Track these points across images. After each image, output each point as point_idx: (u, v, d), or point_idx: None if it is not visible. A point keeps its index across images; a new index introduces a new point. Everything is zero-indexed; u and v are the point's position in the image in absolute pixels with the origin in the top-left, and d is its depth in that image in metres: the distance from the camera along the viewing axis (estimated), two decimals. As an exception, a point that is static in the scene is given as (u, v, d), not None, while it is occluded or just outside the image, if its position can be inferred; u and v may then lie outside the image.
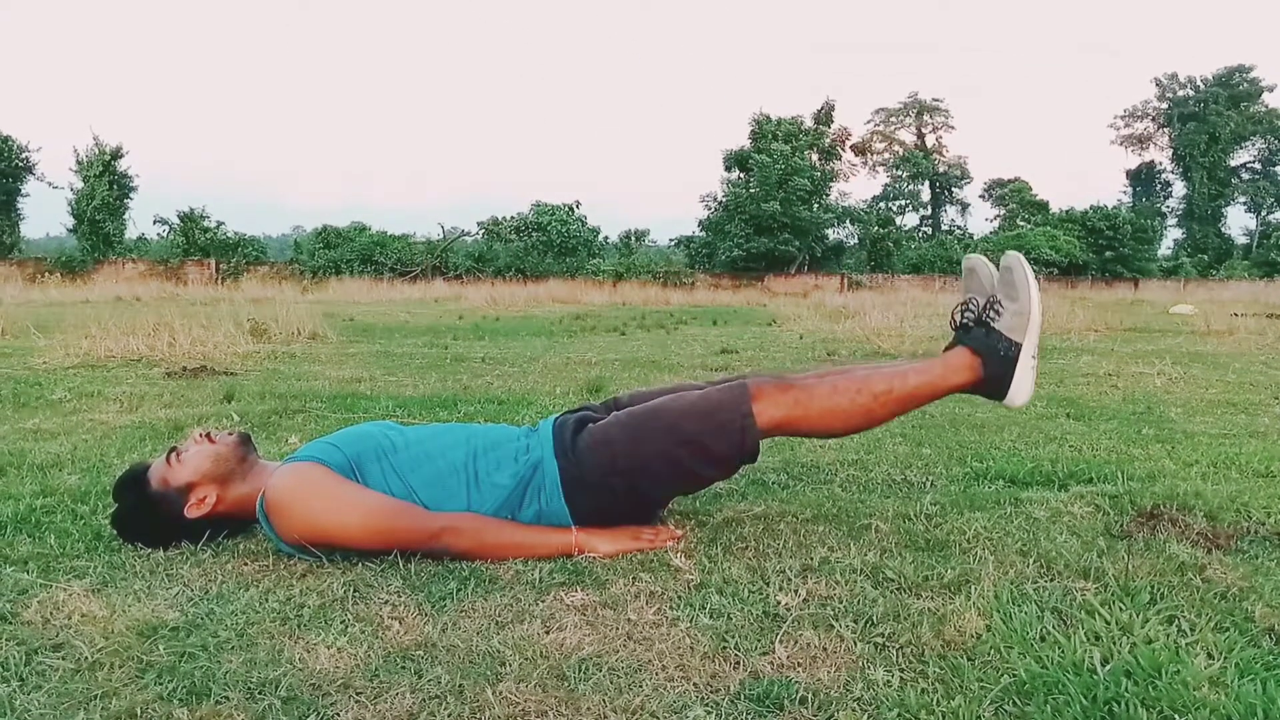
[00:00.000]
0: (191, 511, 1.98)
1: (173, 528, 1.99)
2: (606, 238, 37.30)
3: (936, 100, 55.31)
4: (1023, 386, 1.99)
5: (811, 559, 1.85)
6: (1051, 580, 1.72)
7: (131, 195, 32.16)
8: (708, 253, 37.49)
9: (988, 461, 2.83)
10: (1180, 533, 2.01)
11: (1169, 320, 12.32)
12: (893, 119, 55.94)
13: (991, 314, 2.02)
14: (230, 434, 2.09)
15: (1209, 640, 1.41)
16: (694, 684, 1.34)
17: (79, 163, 31.22)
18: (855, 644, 1.45)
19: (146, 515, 1.99)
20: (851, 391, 1.96)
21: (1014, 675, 1.32)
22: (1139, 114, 56.12)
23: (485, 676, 1.35)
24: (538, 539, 1.92)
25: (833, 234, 39.69)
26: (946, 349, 2.07)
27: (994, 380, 1.99)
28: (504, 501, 1.96)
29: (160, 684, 1.33)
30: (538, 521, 1.96)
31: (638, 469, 1.95)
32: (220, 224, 32.55)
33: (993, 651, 1.40)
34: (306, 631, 1.52)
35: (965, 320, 2.07)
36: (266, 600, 1.66)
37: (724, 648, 1.45)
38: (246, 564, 1.88)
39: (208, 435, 2.07)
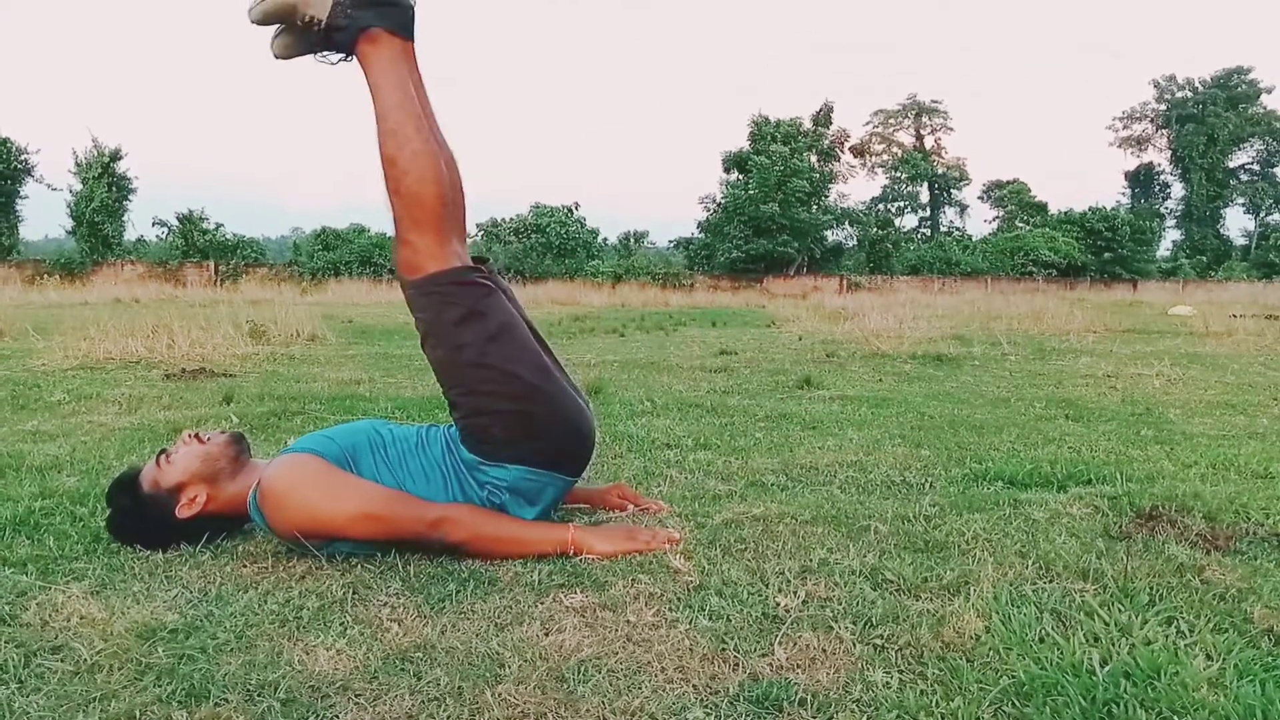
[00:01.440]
0: (182, 512, 1.98)
1: (166, 529, 1.98)
2: (605, 239, 37.35)
3: (935, 102, 55.35)
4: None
5: (810, 561, 1.85)
6: (1050, 581, 1.73)
7: (130, 197, 32.16)
8: (707, 254, 37.50)
9: (987, 463, 2.83)
10: (1179, 534, 2.01)
11: (1168, 322, 12.33)
12: (891, 120, 55.96)
13: (316, 28, 1.97)
14: (221, 434, 2.10)
15: (1208, 641, 1.41)
16: (693, 685, 1.34)
17: (78, 165, 31.21)
18: (854, 645, 1.45)
19: (139, 518, 1.99)
20: (402, 172, 1.93)
21: (1013, 676, 1.32)
22: (1137, 115, 56.18)
23: (484, 678, 1.35)
24: (533, 534, 1.93)
25: (831, 235, 39.71)
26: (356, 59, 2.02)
27: (388, 15, 1.97)
28: (486, 496, 1.98)
29: (159, 686, 1.33)
30: (506, 507, 1.97)
31: (485, 390, 1.96)
32: (219, 226, 32.56)
33: (992, 653, 1.40)
34: (305, 633, 1.52)
35: (332, 56, 2.03)
36: (265, 602, 1.66)
37: (723, 649, 1.45)
38: (245, 566, 1.88)
39: (197, 436, 2.07)
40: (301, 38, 2.01)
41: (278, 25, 2.00)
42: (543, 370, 2.02)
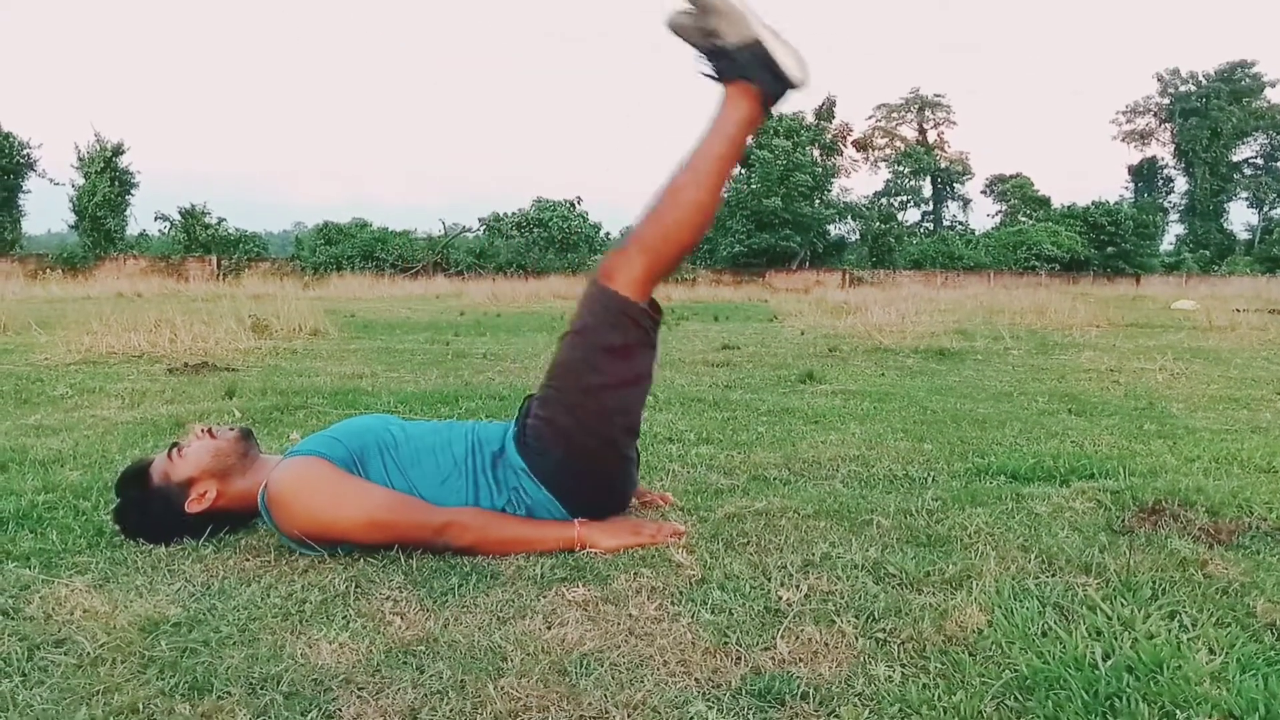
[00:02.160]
0: (192, 506, 1.98)
1: (174, 523, 1.99)
2: (608, 233, 37.26)
3: (938, 96, 55.36)
4: (788, 60, 1.97)
5: (813, 554, 1.85)
6: (1053, 576, 1.72)
7: (133, 192, 32.18)
8: (709, 249, 37.48)
9: (989, 457, 2.83)
10: (1182, 528, 2.01)
11: (1171, 316, 12.31)
12: (894, 114, 55.93)
13: (715, 41, 1.99)
14: (231, 429, 2.10)
15: (1210, 635, 1.41)
16: (695, 679, 1.34)
17: (80, 159, 31.23)
18: (857, 639, 1.45)
19: (148, 510, 1.99)
20: (674, 206, 1.96)
21: (1015, 670, 1.32)
22: (1141, 109, 56.10)
23: (487, 671, 1.35)
24: (540, 533, 1.92)
25: (834, 230, 39.70)
26: (720, 101, 2.04)
27: (768, 82, 1.98)
28: (508, 500, 1.97)
29: (162, 679, 1.33)
30: (531, 514, 1.96)
31: (580, 415, 1.94)
32: (221, 220, 32.52)
33: (994, 647, 1.40)
34: (308, 627, 1.53)
35: (708, 68, 2.04)
36: (268, 596, 1.67)
37: (725, 643, 1.45)
38: (248, 559, 1.89)
39: (209, 430, 2.07)
40: (699, 35, 2.02)
41: (691, 9, 2.01)
42: (631, 436, 2.05)
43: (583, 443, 1.96)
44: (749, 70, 1.97)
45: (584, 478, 1.98)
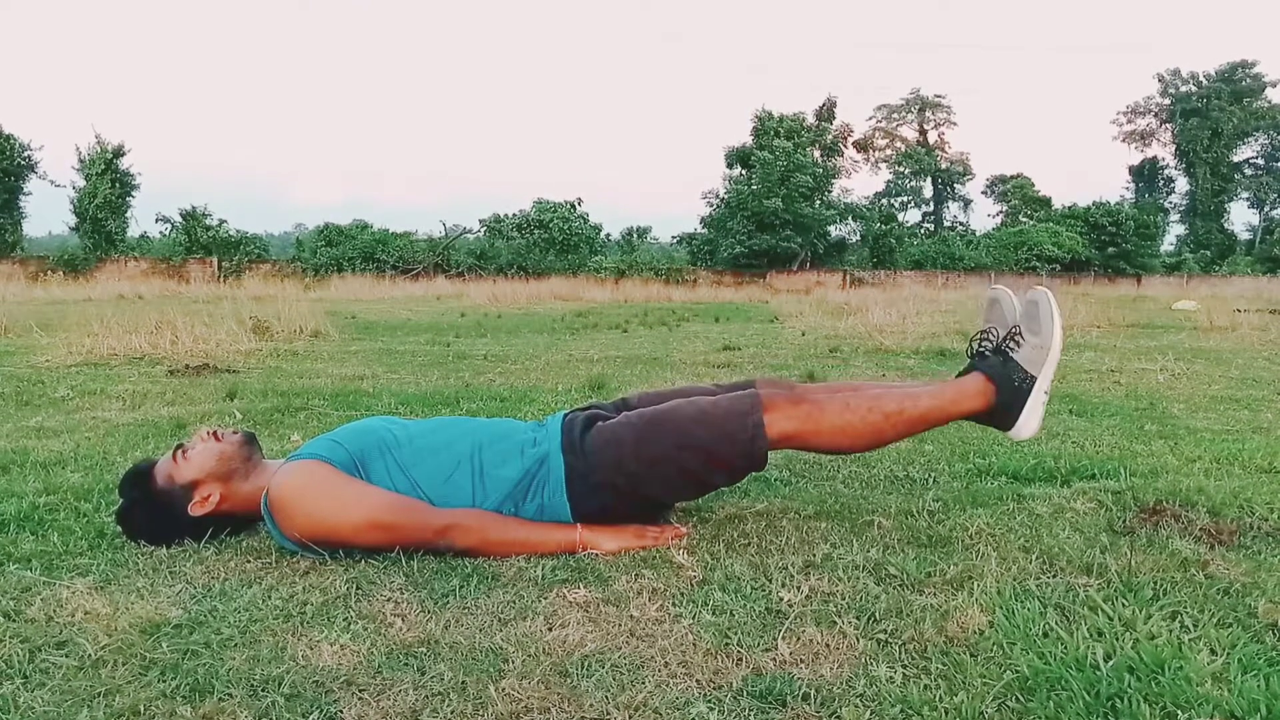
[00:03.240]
0: (195, 510, 1.98)
1: (176, 525, 1.99)
2: (608, 235, 37.36)
3: (939, 96, 55.31)
4: (1031, 420, 1.98)
5: (814, 555, 1.85)
6: (1054, 576, 1.72)
7: (134, 193, 32.19)
8: (710, 250, 37.49)
9: (990, 458, 2.82)
10: (1183, 529, 2.01)
11: (1172, 316, 12.30)
12: (895, 115, 55.90)
13: (1011, 344, 2.01)
14: (235, 433, 2.10)
15: (1212, 636, 1.41)
16: (696, 680, 1.34)
17: (81, 161, 31.25)
18: (858, 640, 1.45)
19: (150, 511, 1.99)
20: (863, 410, 1.95)
21: (1017, 671, 1.32)
22: (1141, 110, 56.05)
23: (488, 673, 1.36)
24: (542, 536, 1.92)
25: (835, 231, 39.65)
26: (960, 374, 2.06)
27: (1004, 409, 1.98)
28: (508, 495, 1.96)
29: (163, 681, 1.33)
30: (539, 517, 1.96)
31: (644, 471, 1.95)
32: (222, 222, 32.54)
33: (995, 647, 1.40)
34: (309, 628, 1.53)
35: (983, 348, 2.07)
36: (269, 597, 1.67)
37: (726, 644, 1.45)
38: (249, 561, 1.89)
39: (214, 434, 2.07)
40: (1003, 323, 2.09)
41: (1024, 306, 2.04)
42: (664, 509, 2.14)
43: (630, 486, 1.96)
44: (1006, 386, 1.98)
45: (607, 509, 1.98)
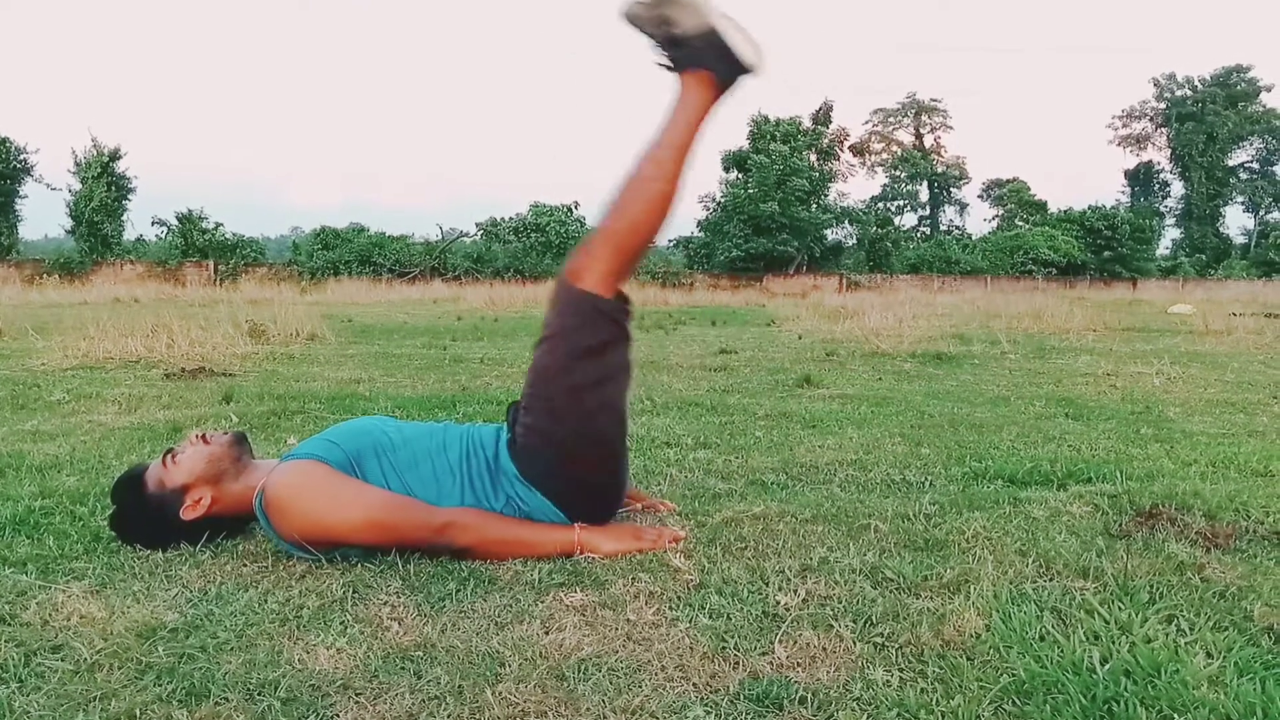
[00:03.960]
0: (187, 514, 1.98)
1: (170, 529, 1.98)
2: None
3: (935, 100, 55.44)
4: (744, 47, 1.97)
5: (810, 559, 1.85)
6: (1050, 580, 1.73)
7: (130, 196, 32.17)
8: (706, 253, 37.50)
9: (986, 461, 2.83)
10: (1179, 532, 2.01)
11: (1167, 320, 12.33)
12: (891, 119, 56.02)
13: (671, 30, 1.99)
14: (225, 434, 2.09)
15: (1208, 639, 1.41)
16: (693, 684, 1.34)
17: (77, 164, 31.22)
18: (854, 644, 1.45)
19: (143, 517, 1.99)
20: (638, 199, 1.96)
21: (1013, 675, 1.32)
22: (1137, 114, 56.22)
23: (484, 677, 1.35)
24: (539, 536, 1.92)
25: (831, 234, 39.71)
26: (679, 92, 2.03)
27: (723, 69, 1.98)
28: (504, 503, 1.97)
29: (159, 685, 1.33)
30: (530, 517, 1.96)
31: (566, 417, 1.94)
32: (218, 225, 32.50)
33: (992, 651, 1.40)
34: (306, 632, 1.52)
35: (664, 59, 2.04)
36: (266, 601, 1.66)
37: (723, 648, 1.45)
38: (245, 565, 1.88)
39: (203, 436, 2.07)
40: (655, 24, 2.02)
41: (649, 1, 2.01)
42: (619, 431, 2.03)
43: (573, 444, 1.96)
44: (705, 58, 1.98)
45: (578, 478, 1.98)
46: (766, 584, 1.71)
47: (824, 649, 1.44)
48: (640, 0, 2.03)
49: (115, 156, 31.38)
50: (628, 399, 2.06)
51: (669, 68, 2.04)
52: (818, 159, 40.10)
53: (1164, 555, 1.84)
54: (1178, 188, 54.08)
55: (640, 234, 1.98)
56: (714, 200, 38.18)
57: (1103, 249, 39.61)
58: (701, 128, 2.02)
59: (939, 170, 54.10)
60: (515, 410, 2.06)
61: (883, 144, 55.63)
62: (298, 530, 1.84)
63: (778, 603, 1.62)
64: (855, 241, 40.72)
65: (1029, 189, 49.76)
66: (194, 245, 31.43)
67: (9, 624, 1.56)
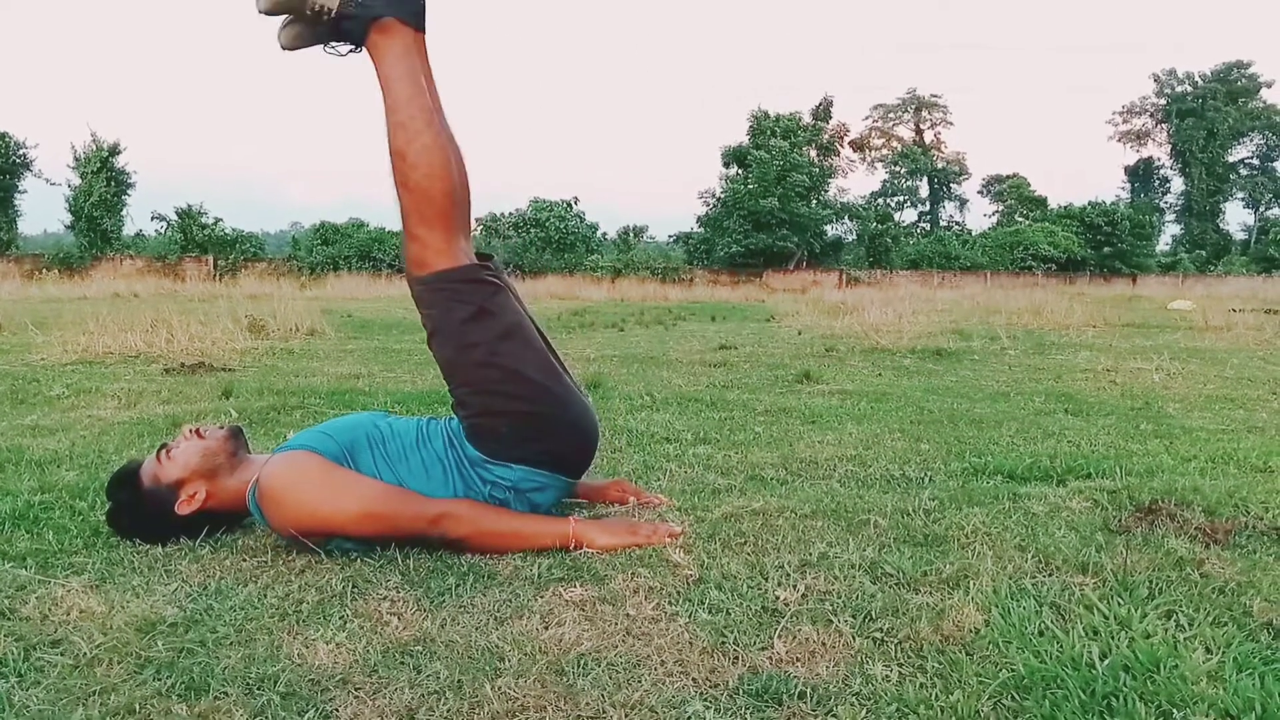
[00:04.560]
0: (182, 508, 1.97)
1: (166, 524, 1.98)
2: (605, 234, 37.31)
3: (935, 96, 55.40)
4: None
5: (810, 554, 1.85)
6: (1050, 575, 1.73)
7: (129, 192, 32.16)
8: (706, 249, 37.50)
9: (986, 457, 2.83)
10: (1178, 528, 2.01)
11: (1167, 316, 12.33)
12: (891, 115, 55.98)
13: (330, 17, 1.95)
14: (220, 428, 2.09)
15: (1207, 635, 1.41)
16: (693, 679, 1.34)
17: (76, 159, 31.20)
18: (854, 639, 1.45)
19: (138, 513, 1.99)
20: (412, 165, 1.92)
21: (1012, 670, 1.32)
22: (1137, 110, 56.17)
23: (484, 672, 1.35)
24: (535, 527, 1.92)
25: (831, 230, 39.70)
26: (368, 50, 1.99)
27: (401, 6, 1.94)
28: (492, 485, 1.97)
29: (159, 680, 1.33)
30: (511, 502, 1.97)
31: (492, 388, 1.95)
32: (218, 220, 32.48)
33: (991, 646, 1.40)
34: (305, 627, 1.52)
35: (343, 46, 2.01)
36: (265, 596, 1.66)
37: (723, 643, 1.45)
38: (245, 560, 1.88)
39: (198, 431, 2.06)
40: (311, 28, 1.98)
41: (286, 15, 1.98)
42: (550, 370, 2.02)
43: (514, 407, 1.96)
44: (373, 10, 1.93)
45: (541, 435, 1.98)
46: (766, 579, 1.71)
47: (823, 644, 1.44)
48: (282, 23, 1.99)
49: (115, 151, 31.35)
50: (536, 339, 2.04)
51: (353, 47, 1.99)
52: (818, 154, 40.06)
53: (1163, 551, 1.84)
54: (1178, 184, 54.09)
55: (439, 194, 1.93)
56: (714, 196, 38.18)
57: (1103, 245, 39.60)
58: (418, 67, 1.97)
59: (939, 166, 54.06)
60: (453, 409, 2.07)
61: (883, 139, 55.60)
62: (291, 522, 1.84)
63: (777, 598, 1.62)
64: (855, 237, 40.70)
65: (1029, 185, 49.72)
66: (193, 240, 31.41)
67: (8, 618, 1.56)
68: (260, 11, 1.97)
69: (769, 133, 37.21)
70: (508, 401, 1.95)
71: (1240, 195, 53.51)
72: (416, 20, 1.98)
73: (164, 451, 2.03)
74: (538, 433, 1.98)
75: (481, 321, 1.94)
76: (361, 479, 1.90)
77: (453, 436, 2.02)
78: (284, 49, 2.02)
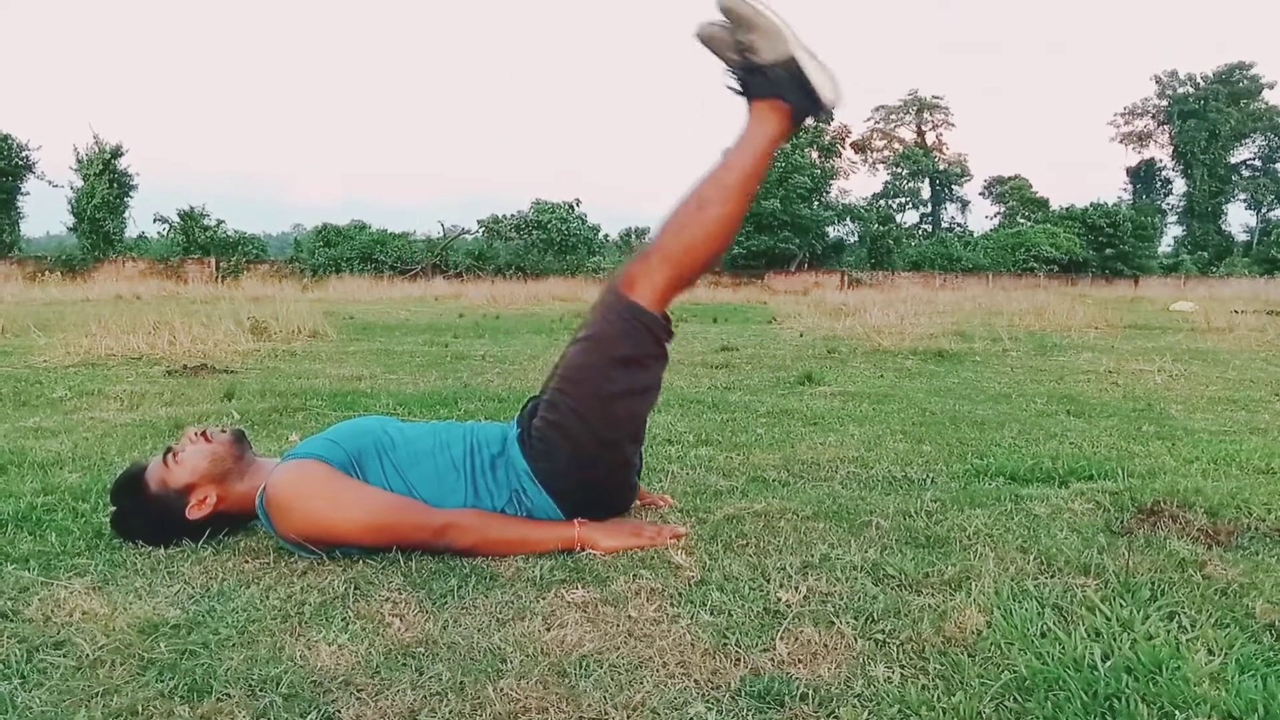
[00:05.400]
0: (193, 513, 1.97)
1: (173, 528, 1.98)
2: (607, 235, 37.33)
3: (936, 98, 55.44)
4: (823, 82, 1.95)
5: (812, 556, 1.85)
6: (1052, 577, 1.72)
7: (131, 194, 32.12)
8: (708, 250, 37.43)
9: (988, 458, 2.83)
10: (1181, 529, 2.01)
11: (1169, 317, 12.32)
12: (893, 116, 56.02)
13: (750, 58, 1.96)
14: (224, 431, 2.09)
15: (1209, 636, 1.41)
16: (695, 681, 1.34)
17: (79, 161, 31.19)
18: (856, 640, 1.45)
19: (146, 517, 1.98)
20: (700, 221, 1.94)
21: (1014, 671, 1.32)
22: (1139, 111, 56.16)
23: (486, 673, 1.35)
24: (540, 534, 1.92)
25: (833, 231, 39.71)
26: (748, 113, 2.02)
27: (800, 101, 1.96)
28: (507, 500, 1.97)
29: (161, 681, 1.33)
30: (531, 515, 1.97)
31: (591, 421, 1.94)
32: (220, 222, 32.48)
33: (993, 648, 1.40)
34: (308, 629, 1.53)
35: (738, 83, 2.01)
36: (268, 597, 1.66)
37: (725, 644, 1.45)
38: (247, 561, 1.88)
39: (203, 434, 2.06)
40: (729, 48, 2.00)
41: (728, 21, 1.98)
42: (637, 440, 2.06)
43: (589, 448, 1.96)
44: (781, 88, 1.95)
45: (587, 483, 1.98)
46: (768, 581, 1.71)
47: (825, 646, 1.44)
48: (718, 23, 2.00)
49: (117, 153, 31.35)
50: (648, 415, 2.08)
51: (741, 94, 2.02)
52: (819, 156, 40.08)
53: (1165, 552, 1.84)
54: (1180, 185, 54.05)
55: (697, 257, 1.96)
56: (716, 197, 38.09)
57: (1104, 246, 39.59)
58: (770, 156, 2.01)
59: (941, 167, 54.09)
60: (532, 405, 2.06)
61: (884, 141, 55.64)
62: (298, 530, 1.84)
63: (779, 599, 1.62)
64: (857, 239, 40.71)
65: (1031, 186, 49.77)
66: (196, 242, 31.42)
67: (11, 620, 1.56)
68: (719, 7, 1.98)
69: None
70: (587, 439, 1.95)
71: (1242, 197, 53.49)
72: (799, 121, 2.00)
73: (171, 455, 2.02)
74: (584, 482, 1.98)
75: (630, 368, 1.95)
76: (367, 488, 1.91)
77: (487, 441, 2.02)
78: (696, 36, 2.03)
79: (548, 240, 33.34)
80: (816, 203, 37.65)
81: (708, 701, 1.27)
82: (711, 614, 1.57)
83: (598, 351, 1.96)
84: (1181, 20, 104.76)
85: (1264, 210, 53.28)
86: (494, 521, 1.92)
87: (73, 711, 1.25)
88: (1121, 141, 57.06)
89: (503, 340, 8.25)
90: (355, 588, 1.71)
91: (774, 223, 35.00)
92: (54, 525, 2.12)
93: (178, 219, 32.09)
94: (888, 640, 1.45)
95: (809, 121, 2.02)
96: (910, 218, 53.37)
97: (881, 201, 50.43)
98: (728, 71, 2.02)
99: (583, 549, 1.90)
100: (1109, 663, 1.32)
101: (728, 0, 1.94)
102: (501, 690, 1.30)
